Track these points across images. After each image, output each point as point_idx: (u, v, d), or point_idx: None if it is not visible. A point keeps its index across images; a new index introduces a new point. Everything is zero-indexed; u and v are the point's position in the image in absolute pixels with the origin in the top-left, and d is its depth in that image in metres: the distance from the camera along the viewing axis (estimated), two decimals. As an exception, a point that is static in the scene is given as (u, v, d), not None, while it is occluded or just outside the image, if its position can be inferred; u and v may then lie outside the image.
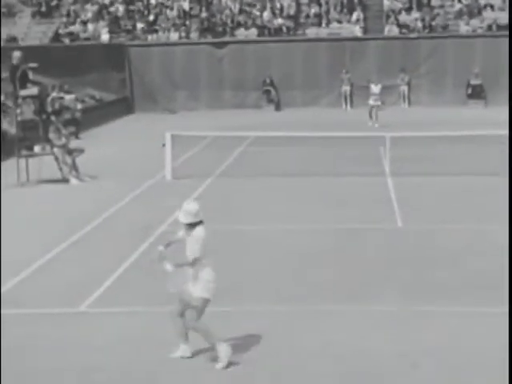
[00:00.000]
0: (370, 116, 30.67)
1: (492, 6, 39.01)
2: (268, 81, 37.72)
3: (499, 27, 37.65)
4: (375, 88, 31.28)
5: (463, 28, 38.30)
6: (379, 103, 31.03)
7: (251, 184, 19.41)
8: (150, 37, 39.92)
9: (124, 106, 37.61)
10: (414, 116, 33.24)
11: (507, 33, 36.63)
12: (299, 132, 24.68)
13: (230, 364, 8.60)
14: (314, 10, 40.38)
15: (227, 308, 10.27)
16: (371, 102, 30.99)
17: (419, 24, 38.60)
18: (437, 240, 13.95)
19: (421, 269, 12.23)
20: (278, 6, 40.59)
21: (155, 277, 10.24)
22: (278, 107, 37.94)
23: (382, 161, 21.15)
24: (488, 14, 38.60)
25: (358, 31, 39.01)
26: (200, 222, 8.66)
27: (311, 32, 39.39)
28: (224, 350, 8.64)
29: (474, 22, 38.42)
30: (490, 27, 37.95)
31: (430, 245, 13.64)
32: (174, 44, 39.08)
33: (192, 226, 8.62)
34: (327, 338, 9.43)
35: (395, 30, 38.62)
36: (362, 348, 9.12)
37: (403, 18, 39.17)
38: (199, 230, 8.62)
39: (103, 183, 19.75)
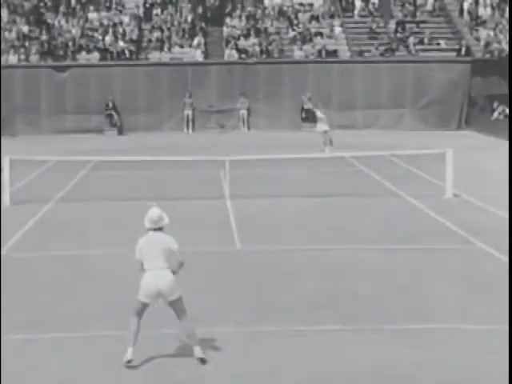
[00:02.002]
0: (325, 141, 28.74)
1: (321, 34, 40.73)
2: (110, 105, 37.64)
3: (328, 52, 39.42)
4: (320, 113, 29.68)
5: (297, 53, 39.74)
6: (327, 128, 29.12)
7: (93, 208, 19.37)
8: (-13, 59, 38.94)
9: (-40, 130, 36.45)
10: (252, 139, 34.02)
11: (334, 59, 38.55)
12: (142, 156, 24.83)
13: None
14: (156, 34, 40.69)
15: (64, 334, 10.27)
16: (319, 127, 29.35)
17: (257, 49, 39.70)
18: (274, 261, 14.35)
19: (257, 290, 12.55)
20: (121, 30, 40.63)
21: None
22: (120, 131, 37.91)
23: (222, 183, 21.60)
24: (318, 41, 40.27)
25: (199, 56, 39.62)
26: (158, 229, 9.63)
27: (153, 56, 39.68)
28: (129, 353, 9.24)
29: (307, 47, 39.98)
30: (320, 53, 39.60)
31: (267, 266, 14.02)
32: (14, 66, 38.35)
33: (153, 231, 9.62)
34: (165, 363, 9.59)
35: (235, 55, 39.50)
36: (198, 372, 9.18)
37: (242, 43, 40.15)
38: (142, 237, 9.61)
39: None
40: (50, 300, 12.06)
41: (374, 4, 42.85)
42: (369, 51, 39.88)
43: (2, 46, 39.49)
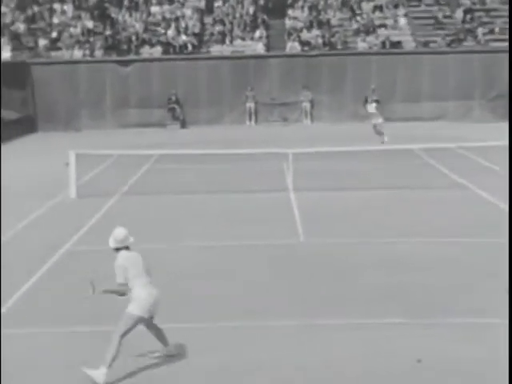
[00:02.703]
0: (379, 133, 29.22)
1: (385, 25, 40.25)
2: (173, 98, 37.84)
3: (392, 44, 38.87)
4: (370, 107, 30.34)
5: (360, 45, 39.36)
6: (380, 120, 29.63)
7: (157, 202, 19.48)
8: (53, 54, 39.53)
9: (27, 125, 37.10)
10: (316, 132, 33.85)
11: (398, 50, 38.08)
12: (204, 149, 24.89)
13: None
14: (217, 28, 40.77)
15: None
16: (372, 121, 29.88)
17: (320, 41, 39.44)
18: (337, 254, 14.26)
19: (320, 283, 12.50)
20: (183, 24, 40.82)
21: (56, 301, 10.23)
22: (183, 125, 38.09)
23: (285, 176, 21.52)
24: (382, 32, 39.81)
25: (261, 49, 39.56)
26: (124, 248, 9.12)
27: (215, 50, 39.75)
28: (98, 375, 8.64)
29: (370, 39, 39.55)
30: (383, 44, 39.13)
31: (330, 259, 13.95)
32: (78, 62, 38.81)
33: (117, 250, 9.13)
34: (227, 354, 9.59)
35: (297, 48, 39.32)
36: (264, 363, 9.24)
37: (304, 35, 39.93)
38: (118, 257, 9.08)
39: (7, 202, 19.50)
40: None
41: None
42: (435, 42, 39.19)
43: (67, 42, 39.99)
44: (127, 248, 9.19)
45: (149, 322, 9.20)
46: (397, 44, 39.19)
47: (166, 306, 9.66)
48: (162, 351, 9.39)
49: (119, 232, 9.24)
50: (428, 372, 8.86)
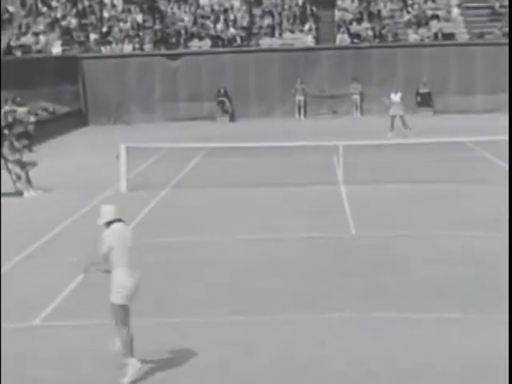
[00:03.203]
0: (392, 126, 28.86)
1: (438, 17, 39.71)
2: (222, 92, 37.85)
3: (444, 35, 38.34)
4: (395, 97, 29.60)
5: (412, 37, 38.87)
6: (401, 113, 29.21)
7: (207, 195, 19.48)
8: (103, 48, 39.82)
9: (78, 119, 37.46)
10: (366, 124, 33.59)
11: (452, 41, 37.50)
12: (254, 142, 24.82)
13: (134, 382, 8.50)
14: (266, 21, 40.65)
15: (181, 319, 10.33)
16: (391, 111, 29.31)
17: (370, 33, 39.07)
18: (389, 248, 14.12)
19: (374, 276, 12.38)
20: (232, 17, 40.79)
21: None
22: (232, 118, 38.08)
23: (336, 169, 21.37)
24: (434, 24, 39.26)
25: (310, 41, 39.34)
26: (115, 221, 8.69)
27: (264, 42, 39.64)
28: (133, 366, 8.54)
29: (422, 31, 39.04)
30: (436, 36, 38.58)
31: (382, 252, 13.81)
32: (128, 56, 39.04)
33: (107, 225, 8.69)
34: (286, 347, 9.53)
35: (347, 40, 39.02)
36: (319, 356, 9.19)
37: (354, 27, 39.61)
38: (108, 229, 8.64)
39: (58, 196, 19.68)
40: (164, 285, 12.12)
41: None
42: (490, 33, 38.44)
43: (117, 36, 40.24)
44: (120, 221, 8.76)
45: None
46: (450, 36, 38.54)
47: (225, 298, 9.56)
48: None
49: (104, 208, 8.83)
50: (490, 369, 8.67)
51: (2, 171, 20.32)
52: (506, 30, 37.97)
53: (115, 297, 8.56)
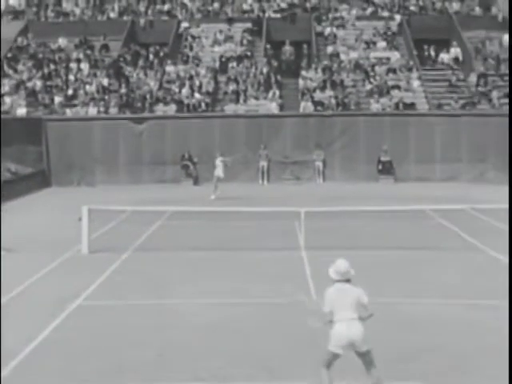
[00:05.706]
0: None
1: (399, 87, 40.56)
2: (186, 156, 38.06)
3: (405, 105, 39.12)
4: (218, 161, 32.31)
5: (374, 106, 39.59)
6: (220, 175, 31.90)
7: (168, 258, 19.45)
8: (68, 111, 39.95)
9: (40, 180, 37.35)
10: (328, 191, 33.89)
11: (412, 111, 38.33)
12: (217, 207, 24.93)
13: None
14: (231, 87, 41.16)
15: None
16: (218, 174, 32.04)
17: (333, 101, 39.72)
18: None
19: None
20: (197, 82, 41.25)
21: (66, 356, 10.17)
22: (196, 182, 38.23)
23: (297, 235, 21.49)
24: (395, 94, 40.08)
25: (274, 108, 39.86)
26: (344, 281, 9.54)
27: (229, 108, 40.08)
28: None
29: (384, 100, 39.81)
30: (397, 105, 39.37)
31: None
32: (93, 119, 39.18)
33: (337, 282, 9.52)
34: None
35: (310, 107, 39.60)
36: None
37: (318, 95, 40.25)
38: (332, 287, 9.49)
39: (18, 256, 19.53)
40: (125, 348, 12.04)
41: (453, 58, 42.53)
42: (448, 104, 39.43)
43: (83, 99, 40.44)
44: (349, 281, 9.51)
45: (358, 354, 9.48)
46: (410, 105, 39.43)
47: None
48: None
49: (342, 264, 9.61)
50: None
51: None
52: (462, 101, 39.06)
53: (330, 343, 9.42)
